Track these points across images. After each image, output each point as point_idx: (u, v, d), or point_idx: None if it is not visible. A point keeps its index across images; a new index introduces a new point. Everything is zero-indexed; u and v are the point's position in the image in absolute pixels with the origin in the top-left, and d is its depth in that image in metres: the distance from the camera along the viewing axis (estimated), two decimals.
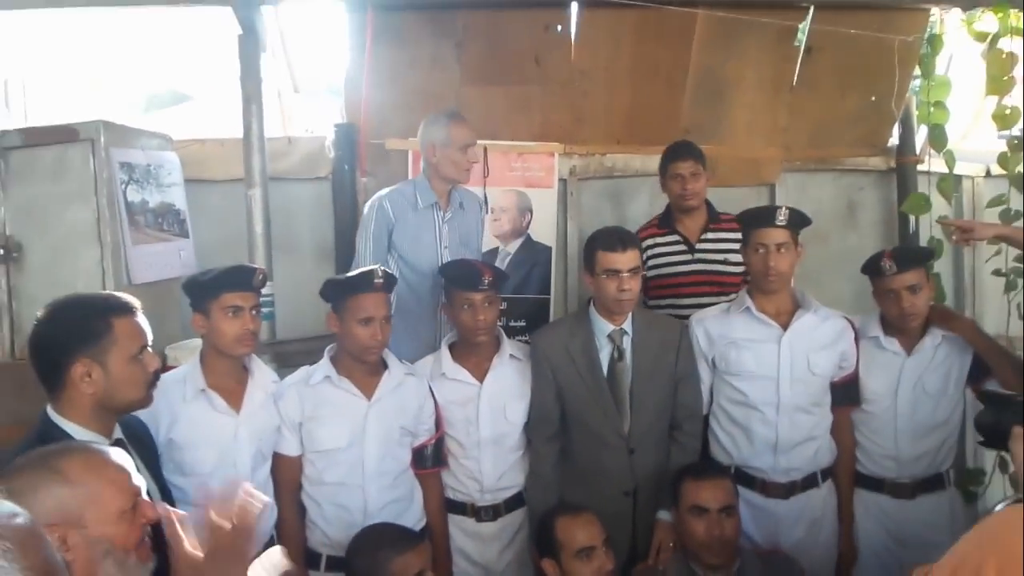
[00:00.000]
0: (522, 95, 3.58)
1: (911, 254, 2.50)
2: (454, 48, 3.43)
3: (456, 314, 2.39)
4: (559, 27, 3.46)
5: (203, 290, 2.11)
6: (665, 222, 3.12)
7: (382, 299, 2.27)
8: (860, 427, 2.51)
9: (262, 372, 2.24)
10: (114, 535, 1.16)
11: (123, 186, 2.70)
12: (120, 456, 1.27)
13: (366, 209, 2.77)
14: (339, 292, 2.26)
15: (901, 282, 2.35)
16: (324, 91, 3.94)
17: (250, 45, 3.00)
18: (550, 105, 3.61)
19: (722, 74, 3.62)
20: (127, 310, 1.65)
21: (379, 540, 2.03)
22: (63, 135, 2.64)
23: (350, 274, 2.34)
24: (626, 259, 2.31)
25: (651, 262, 3.07)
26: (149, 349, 1.67)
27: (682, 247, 3.06)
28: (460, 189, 2.85)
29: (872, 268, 2.42)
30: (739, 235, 3.01)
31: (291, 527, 2.27)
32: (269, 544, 2.20)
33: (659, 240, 3.08)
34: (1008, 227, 2.62)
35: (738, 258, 2.97)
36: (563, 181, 3.72)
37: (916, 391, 2.42)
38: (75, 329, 1.59)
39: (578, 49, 3.51)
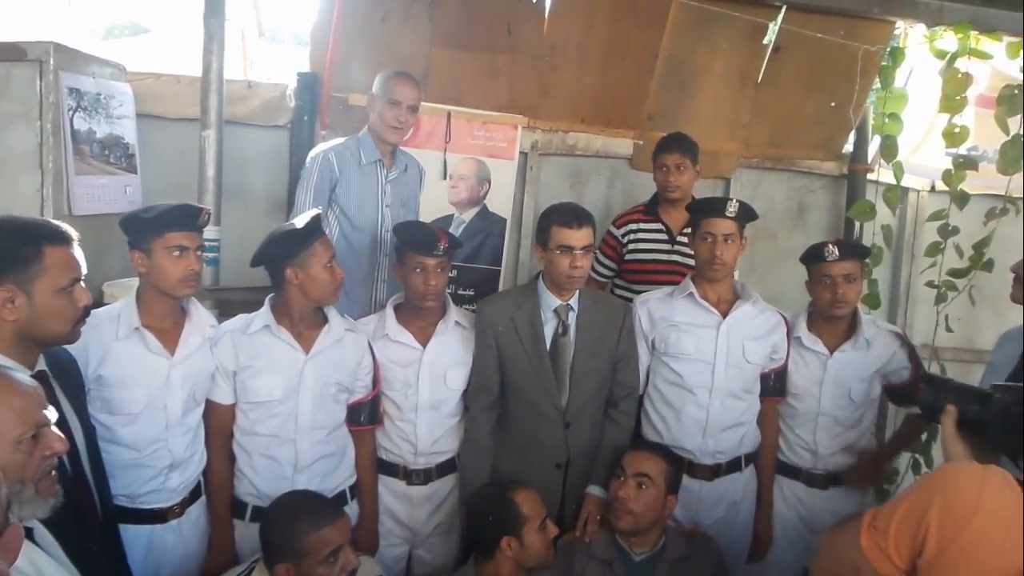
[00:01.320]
0: (491, 63, 3.56)
1: (853, 245, 2.58)
2: (428, 7, 3.38)
3: (407, 276, 2.38)
4: None
5: (145, 227, 2.04)
6: (651, 210, 3.17)
7: (329, 240, 2.29)
8: (785, 419, 2.61)
9: (200, 315, 2.19)
10: (7, 463, 1.12)
11: (70, 112, 2.60)
12: (27, 384, 1.24)
13: (308, 161, 2.73)
14: (297, 244, 2.19)
15: (840, 269, 2.44)
16: (290, 38, 3.85)
17: None
18: (518, 76, 3.59)
19: (691, 63, 3.65)
20: (61, 239, 1.59)
21: (296, 512, 1.92)
22: (10, 53, 2.53)
23: (300, 223, 2.27)
24: (581, 236, 2.33)
25: (631, 247, 3.12)
26: (81, 284, 1.61)
27: (664, 236, 3.12)
28: (405, 153, 2.84)
29: (814, 254, 2.51)
30: None
31: (219, 475, 2.24)
32: (196, 490, 2.21)
33: (643, 226, 3.13)
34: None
35: None
36: (524, 154, 3.73)
37: (837, 390, 2.52)
38: (2, 252, 1.53)
39: (551, 22, 3.50)
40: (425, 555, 2.53)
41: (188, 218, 2.07)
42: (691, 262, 3.02)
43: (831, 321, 2.53)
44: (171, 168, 3.22)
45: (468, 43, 3.49)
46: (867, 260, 2.91)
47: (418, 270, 2.35)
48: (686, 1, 3.40)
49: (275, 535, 1.89)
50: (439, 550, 2.52)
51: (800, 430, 2.57)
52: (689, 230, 3.04)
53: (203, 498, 2.23)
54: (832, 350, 2.53)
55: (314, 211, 2.32)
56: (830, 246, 2.48)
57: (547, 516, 2.17)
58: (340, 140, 2.79)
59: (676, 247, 3.10)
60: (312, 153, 2.74)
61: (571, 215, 2.36)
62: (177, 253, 2.04)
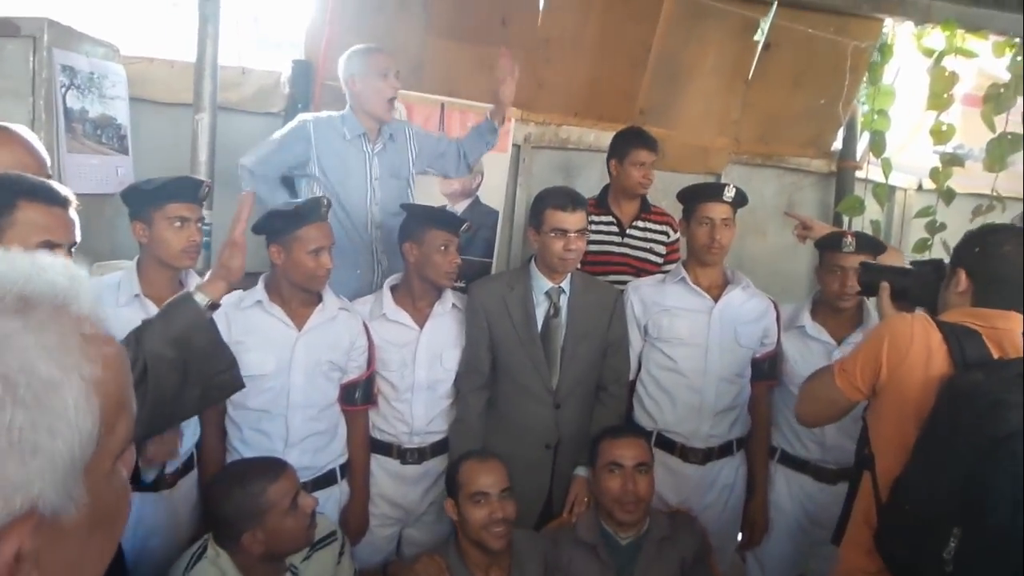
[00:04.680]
0: (485, 55, 3.56)
1: (871, 240, 2.58)
2: None
3: (430, 255, 2.38)
4: None
5: (147, 198, 2.05)
6: (602, 203, 3.18)
7: (328, 228, 2.25)
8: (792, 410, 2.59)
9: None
10: None
11: (63, 90, 2.59)
12: None
13: (292, 122, 2.74)
14: (286, 224, 2.21)
15: (853, 261, 2.41)
16: (285, 25, 3.85)
17: None
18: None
19: (683, 59, 3.69)
20: (42, 196, 1.43)
21: (244, 477, 1.89)
22: (3, 28, 2.51)
23: (296, 203, 2.30)
24: (575, 219, 2.35)
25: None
26: (64, 249, 1.46)
27: (615, 229, 3.14)
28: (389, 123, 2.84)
29: (831, 241, 2.50)
30: (664, 228, 3.14)
31: (212, 448, 2.24)
32: (189, 463, 2.19)
33: (594, 219, 3.12)
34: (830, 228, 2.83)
35: (662, 249, 3.14)
36: (517, 147, 3.74)
37: None
38: None
39: (546, 15, 3.51)
40: (416, 534, 2.52)
41: (189, 189, 2.09)
42: (642, 255, 3.11)
43: (838, 312, 2.51)
44: (163, 153, 3.20)
45: (462, 34, 3.51)
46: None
47: (443, 247, 2.37)
48: None
49: (231, 507, 1.85)
50: (431, 528, 2.52)
51: None
52: (640, 223, 3.12)
53: (195, 471, 2.21)
54: (839, 341, 2.50)
55: (319, 196, 2.33)
56: (849, 237, 2.47)
57: (492, 492, 2.09)
58: (323, 114, 2.79)
59: (626, 239, 3.12)
60: (297, 118, 2.75)
61: (566, 198, 2.38)
62: (178, 224, 2.06)
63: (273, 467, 1.94)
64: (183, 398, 1.56)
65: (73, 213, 1.57)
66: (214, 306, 1.68)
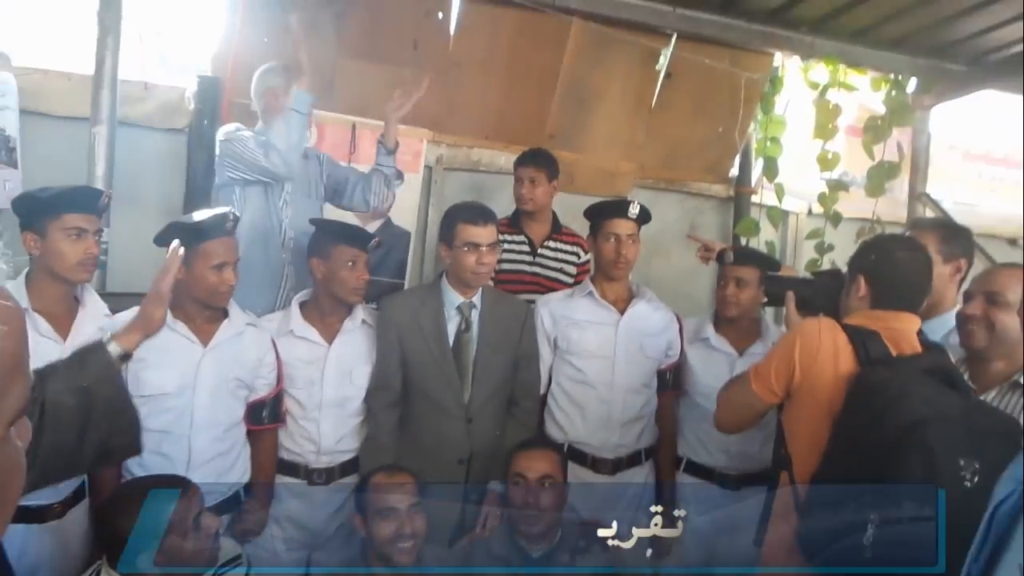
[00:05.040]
0: (397, 77, 3.58)
1: (750, 253, 2.75)
2: (334, 18, 3.40)
3: (336, 270, 2.35)
4: (440, 15, 3.54)
5: (41, 207, 1.96)
6: (515, 222, 3.23)
7: (233, 243, 2.20)
8: (702, 422, 2.62)
9: (95, 303, 2.11)
10: None
11: None
12: None
13: (224, 134, 2.69)
14: (189, 237, 2.15)
15: (732, 272, 2.57)
16: (190, 40, 3.76)
17: None
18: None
19: (590, 85, 3.83)
20: None
21: (144, 490, 1.80)
22: None
23: (199, 218, 2.24)
24: (487, 233, 2.38)
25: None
26: None
27: (526, 248, 3.19)
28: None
29: (719, 255, 2.68)
30: (575, 248, 3.22)
31: (106, 474, 2.10)
32: (79, 492, 2.07)
33: (507, 238, 3.17)
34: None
35: (573, 270, 3.20)
36: (429, 168, 3.78)
37: None
38: None
39: (457, 40, 3.59)
40: (324, 558, 2.45)
41: (88, 199, 2.02)
42: (553, 275, 3.17)
43: (731, 322, 2.63)
44: (57, 168, 3.05)
45: (374, 55, 3.53)
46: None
47: (350, 263, 2.34)
48: (585, 24, 3.57)
49: (127, 526, 1.76)
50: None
51: (714, 431, 2.64)
52: (551, 243, 3.19)
53: (86, 500, 2.09)
54: (740, 352, 2.61)
55: (222, 209, 2.27)
56: (729, 251, 2.64)
57: (400, 507, 2.05)
58: (237, 127, 2.74)
59: (537, 259, 3.18)
60: (224, 130, 2.71)
61: (476, 213, 2.41)
62: (75, 236, 1.98)
63: (174, 483, 1.86)
64: (80, 452, 1.46)
65: None
66: (126, 356, 1.61)
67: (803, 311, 2.08)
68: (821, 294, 2.11)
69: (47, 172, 3.04)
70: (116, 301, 2.82)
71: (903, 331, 1.82)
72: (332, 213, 3.00)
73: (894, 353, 1.77)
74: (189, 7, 3.65)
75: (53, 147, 3.12)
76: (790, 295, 2.10)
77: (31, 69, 3.08)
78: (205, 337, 2.20)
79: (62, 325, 2.01)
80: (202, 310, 2.20)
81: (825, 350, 1.79)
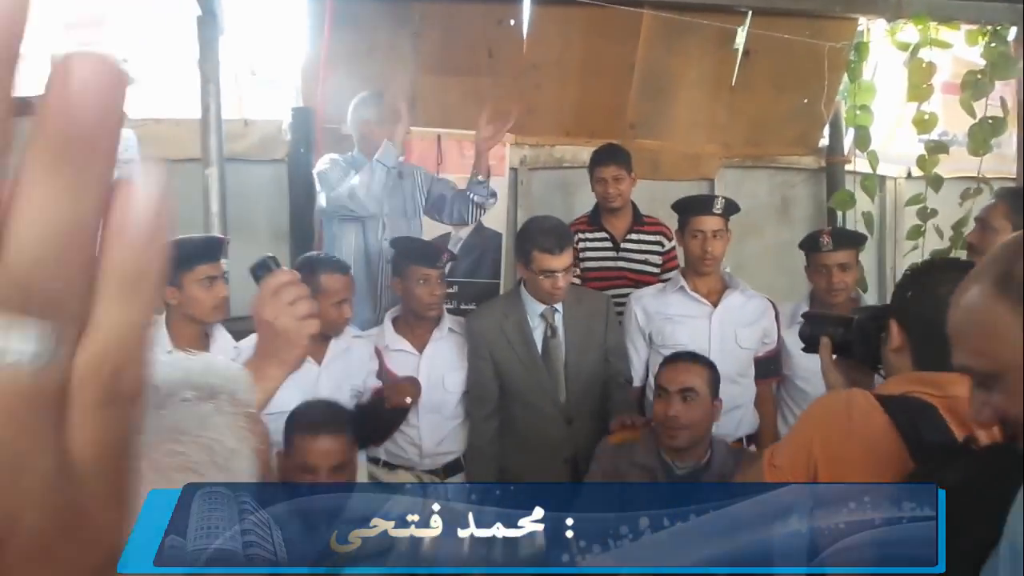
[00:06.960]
0: (475, 86, 3.71)
1: (847, 235, 2.68)
2: (411, 37, 3.54)
3: (411, 288, 2.50)
4: (512, 21, 3.61)
5: (176, 264, 2.18)
6: (594, 219, 3.26)
7: (350, 281, 2.47)
8: (804, 405, 2.64)
9: (224, 338, 2.33)
10: None
11: None
12: None
13: (322, 167, 2.89)
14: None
15: (834, 259, 2.53)
16: (281, 75, 4.00)
17: (209, 26, 3.06)
18: (502, 96, 3.74)
19: (666, 72, 3.81)
20: None
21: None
22: (20, 109, 2.66)
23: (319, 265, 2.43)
24: (562, 261, 2.44)
25: (579, 256, 3.22)
26: None
27: (608, 244, 3.22)
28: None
29: (810, 243, 2.61)
30: (658, 237, 3.22)
31: None
32: None
33: (587, 236, 3.22)
34: None
35: (658, 260, 3.19)
36: (514, 170, 3.87)
37: None
38: None
39: (530, 43, 3.66)
40: None
41: (213, 249, 2.27)
42: (638, 267, 3.17)
43: (831, 308, 2.58)
44: (177, 207, 3.34)
45: (451, 68, 3.65)
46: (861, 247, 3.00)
47: (422, 281, 2.47)
48: (655, 14, 3.56)
49: None
50: None
51: None
52: (633, 236, 3.19)
53: None
54: None
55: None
56: (825, 237, 2.57)
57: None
58: (334, 155, 2.94)
59: (621, 254, 3.19)
60: (321, 162, 2.93)
61: (552, 242, 2.43)
62: (208, 284, 2.20)
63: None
64: None
65: None
66: None
67: (844, 362, 1.60)
68: (860, 340, 1.56)
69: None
70: (240, 324, 3.11)
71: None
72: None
73: (959, 435, 1.22)
74: (278, 43, 3.88)
75: (170, 189, 3.40)
76: (825, 342, 1.59)
77: (146, 120, 3.37)
78: (318, 356, 2.39)
79: None
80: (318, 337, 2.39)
81: (857, 438, 1.29)
